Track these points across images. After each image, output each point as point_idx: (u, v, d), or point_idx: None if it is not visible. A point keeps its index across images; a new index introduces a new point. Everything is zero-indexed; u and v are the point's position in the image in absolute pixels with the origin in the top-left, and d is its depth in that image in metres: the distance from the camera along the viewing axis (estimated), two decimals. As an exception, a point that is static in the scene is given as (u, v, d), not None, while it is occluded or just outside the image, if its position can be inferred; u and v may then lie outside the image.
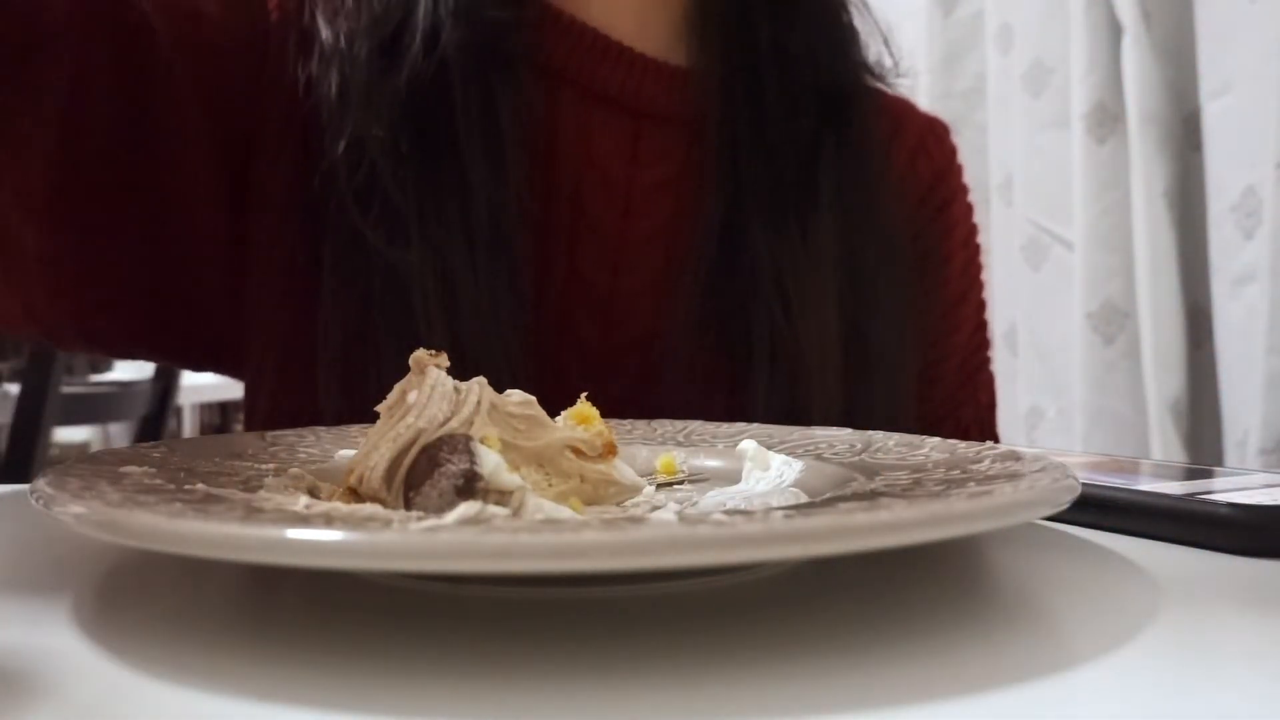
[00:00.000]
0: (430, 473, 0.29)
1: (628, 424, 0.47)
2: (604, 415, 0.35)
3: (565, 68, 0.60)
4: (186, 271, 0.57)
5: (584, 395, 0.36)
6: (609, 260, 0.59)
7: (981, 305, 0.74)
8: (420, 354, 0.32)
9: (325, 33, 0.57)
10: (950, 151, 0.72)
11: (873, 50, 0.65)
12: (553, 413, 0.35)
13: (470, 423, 0.31)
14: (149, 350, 0.61)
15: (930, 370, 0.69)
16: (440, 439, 0.30)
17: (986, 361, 0.75)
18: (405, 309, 0.53)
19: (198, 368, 0.65)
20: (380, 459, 0.30)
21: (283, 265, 0.57)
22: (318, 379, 0.54)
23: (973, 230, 0.73)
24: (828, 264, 0.60)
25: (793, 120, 0.60)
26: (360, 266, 0.54)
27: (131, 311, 0.56)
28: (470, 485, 0.28)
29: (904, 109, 0.71)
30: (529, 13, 0.59)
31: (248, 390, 0.61)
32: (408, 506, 0.29)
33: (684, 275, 0.59)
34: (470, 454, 0.28)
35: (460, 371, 0.33)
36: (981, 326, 0.74)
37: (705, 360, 0.58)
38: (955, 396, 0.71)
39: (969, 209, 0.73)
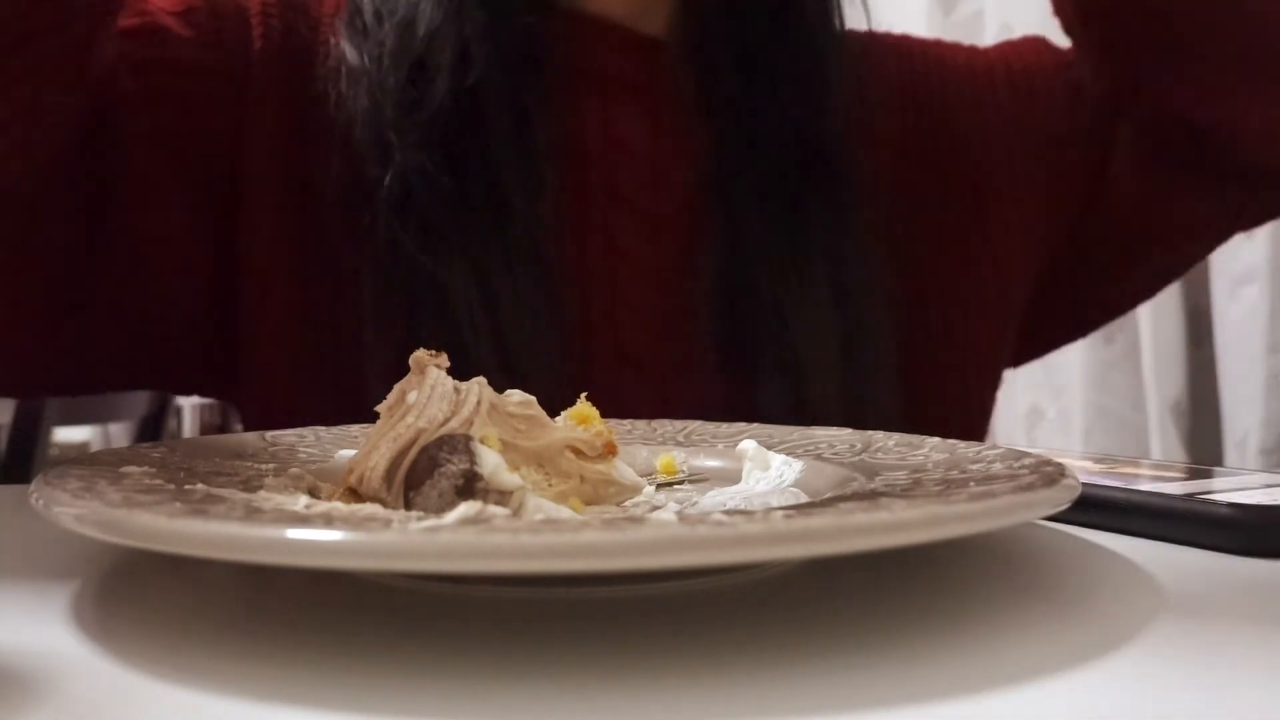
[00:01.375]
0: (430, 473, 0.29)
1: (628, 424, 0.47)
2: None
3: (586, 63, 0.61)
4: (169, 311, 0.57)
5: (584, 395, 0.36)
6: (644, 231, 0.60)
7: None
8: (420, 354, 0.32)
9: (351, 55, 0.57)
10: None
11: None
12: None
13: (470, 423, 0.31)
14: (128, 385, 0.62)
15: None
16: (440, 439, 0.30)
17: None
18: (450, 321, 0.54)
19: (183, 393, 0.66)
20: (380, 459, 0.30)
21: (284, 289, 0.57)
22: (368, 397, 0.54)
23: None
24: (820, 266, 0.60)
25: (781, 98, 0.61)
26: (402, 284, 0.55)
27: (106, 358, 0.57)
28: (470, 485, 0.28)
29: (872, 43, 0.68)
30: (554, 15, 0.60)
31: (246, 418, 0.62)
32: (408, 506, 0.29)
33: (692, 276, 0.60)
34: (470, 454, 0.28)
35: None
36: None
37: (714, 364, 0.59)
38: None
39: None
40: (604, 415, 0.35)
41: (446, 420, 0.31)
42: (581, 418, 0.35)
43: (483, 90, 0.56)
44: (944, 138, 0.67)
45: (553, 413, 0.35)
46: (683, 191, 0.61)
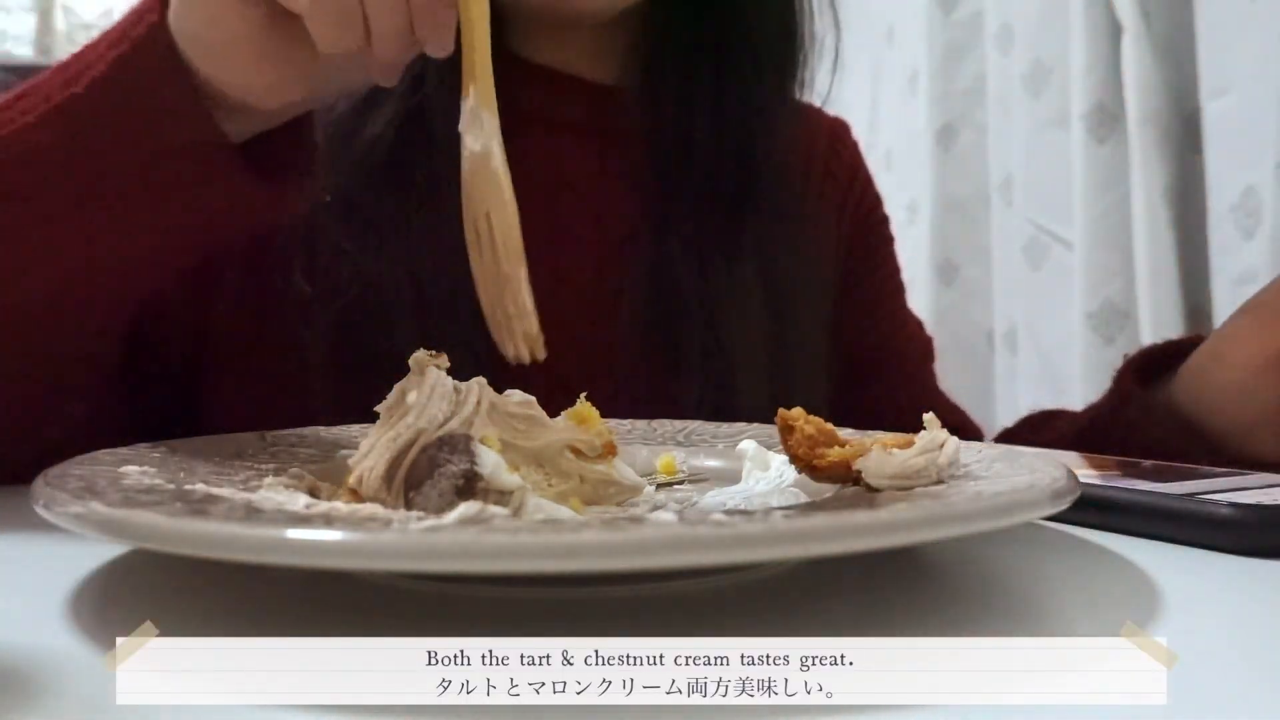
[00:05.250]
0: (430, 473, 0.29)
1: (628, 424, 0.47)
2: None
3: (533, 107, 0.64)
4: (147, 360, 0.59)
5: (583, 395, 0.36)
6: (593, 259, 0.64)
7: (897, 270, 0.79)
8: (420, 354, 0.32)
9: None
10: (854, 147, 0.78)
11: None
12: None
13: (470, 423, 0.31)
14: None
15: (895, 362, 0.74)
16: (440, 439, 0.30)
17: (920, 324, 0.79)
18: (379, 308, 0.57)
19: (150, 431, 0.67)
20: (380, 459, 0.30)
21: (248, 312, 0.60)
22: (312, 389, 0.57)
23: (885, 221, 0.78)
24: (751, 280, 0.64)
25: (721, 139, 0.65)
26: (338, 281, 0.58)
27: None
28: (470, 485, 0.28)
29: (810, 113, 0.74)
30: (507, 63, 0.63)
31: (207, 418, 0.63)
32: (408, 506, 0.29)
33: (624, 283, 0.63)
34: (470, 454, 0.28)
35: None
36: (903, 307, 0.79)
37: (646, 365, 0.62)
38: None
39: (879, 200, 0.78)
40: None
41: (446, 420, 0.31)
42: (581, 418, 0.35)
43: (429, 109, 0.59)
44: (862, 197, 0.76)
45: None
46: (626, 225, 0.64)
